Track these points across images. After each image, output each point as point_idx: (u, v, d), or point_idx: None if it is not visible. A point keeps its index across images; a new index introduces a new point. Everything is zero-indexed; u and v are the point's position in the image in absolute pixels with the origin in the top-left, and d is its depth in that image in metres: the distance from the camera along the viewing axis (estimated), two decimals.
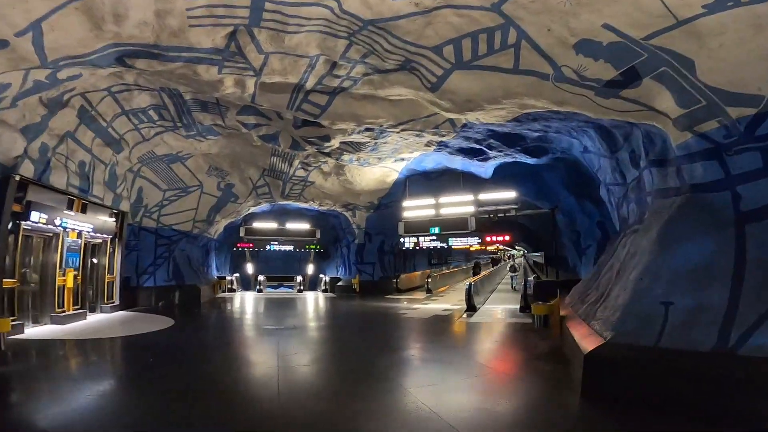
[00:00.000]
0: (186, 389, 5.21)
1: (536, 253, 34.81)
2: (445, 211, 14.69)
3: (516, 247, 58.79)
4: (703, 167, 4.90)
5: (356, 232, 22.00)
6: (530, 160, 13.25)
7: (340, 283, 22.05)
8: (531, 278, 13.15)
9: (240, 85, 10.14)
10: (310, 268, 27.02)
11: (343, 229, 23.45)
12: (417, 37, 6.91)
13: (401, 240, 15.75)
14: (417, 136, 11.78)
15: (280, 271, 26.54)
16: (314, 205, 20.95)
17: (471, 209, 14.29)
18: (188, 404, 4.65)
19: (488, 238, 14.13)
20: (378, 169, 15.60)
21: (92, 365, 6.77)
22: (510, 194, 13.84)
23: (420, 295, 18.63)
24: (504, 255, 56.90)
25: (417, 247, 15.57)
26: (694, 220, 4.68)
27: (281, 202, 20.57)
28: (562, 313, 7.52)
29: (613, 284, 5.67)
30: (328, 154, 14.51)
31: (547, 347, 7.28)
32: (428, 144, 12.72)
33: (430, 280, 18.86)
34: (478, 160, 13.07)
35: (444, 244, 15.06)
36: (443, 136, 11.66)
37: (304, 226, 22.84)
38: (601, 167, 9.68)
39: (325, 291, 22.34)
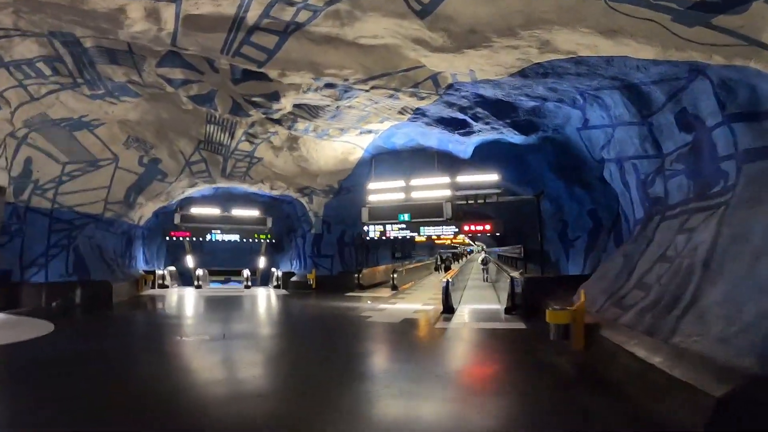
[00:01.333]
0: None
1: (499, 249, 33.93)
2: (417, 195, 12.60)
3: (475, 243, 58.50)
4: None
5: (313, 221, 19.46)
6: (516, 138, 11.49)
7: (294, 279, 19.48)
8: (515, 274, 11.44)
9: (153, 16, 7.42)
10: (262, 261, 24.08)
11: (298, 218, 20.80)
12: None
13: (365, 228, 13.50)
14: (390, 97, 9.53)
15: (229, 264, 23.45)
16: (264, 189, 18.13)
17: (447, 193, 12.31)
18: None
19: (466, 227, 12.29)
20: (339, 144, 13.20)
21: None
22: (492, 177, 12.02)
23: (385, 292, 16.53)
24: (464, 251, 56.33)
25: (383, 237, 13.40)
26: None
27: (224, 185, 17.58)
28: (586, 320, 5.65)
29: (702, 281, 3.82)
30: (278, 122, 11.90)
31: (577, 370, 5.34)
32: (402, 111, 10.51)
33: (396, 275, 16.82)
34: (459, 133, 11.07)
35: (415, 234, 13.02)
36: (422, 99, 9.50)
37: (252, 213, 19.95)
38: (614, 141, 7.98)
39: (277, 287, 19.65)
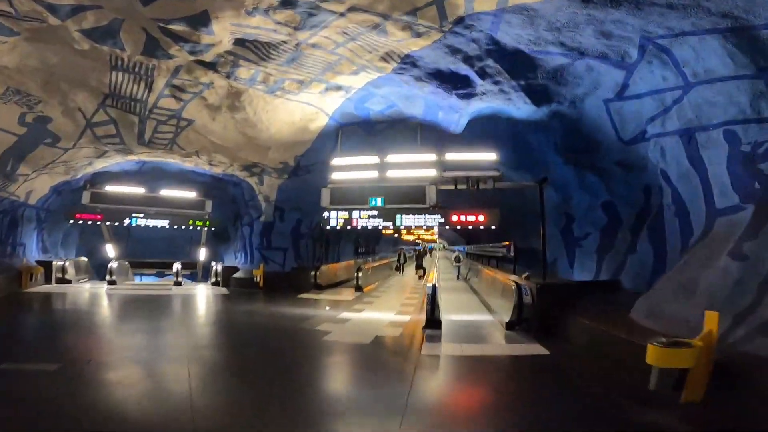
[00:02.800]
0: None
1: (464, 247, 32.16)
2: (394, 175, 9.95)
3: (438, 240, 56.84)
4: None
5: (263, 206, 16.31)
6: (521, 111, 9.22)
7: (237, 275, 16.27)
8: (515, 278, 9.19)
9: None
10: (203, 253, 20.47)
11: (245, 202, 17.53)
12: None
13: (325, 215, 10.64)
14: (374, 29, 6.78)
15: (164, 255, 19.74)
16: (201, 165, 14.76)
17: (432, 173, 9.77)
18: None
19: (455, 218, 9.87)
20: (297, 105, 10.23)
21: None
22: (489, 156, 9.64)
23: (347, 293, 13.82)
24: (425, 247, 54.60)
25: (348, 227, 10.65)
26: None
27: (148, 157, 14.05)
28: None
29: None
30: (212, 67, 8.76)
31: None
32: (387, 57, 7.79)
33: (360, 274, 14.15)
34: (457, 94, 8.55)
35: (389, 224, 10.38)
36: (419, 36, 6.86)
37: (187, 194, 16.41)
38: (684, 106, 5.93)
39: (216, 284, 16.31)
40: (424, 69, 7.97)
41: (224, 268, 16.29)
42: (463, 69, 7.76)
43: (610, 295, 7.42)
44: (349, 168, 10.28)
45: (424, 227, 10.20)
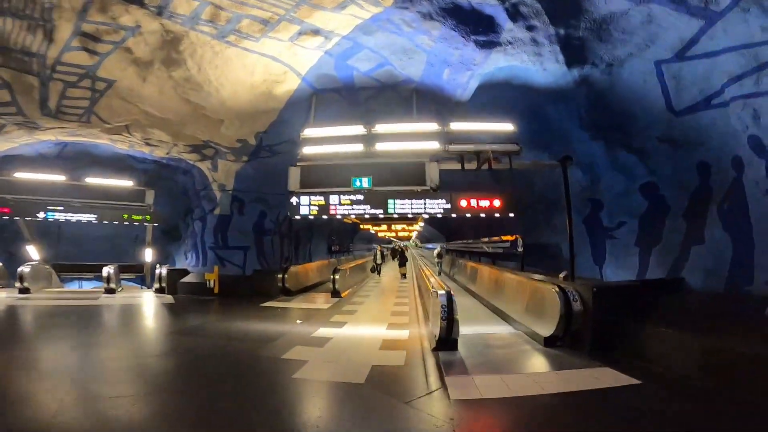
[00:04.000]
0: None
1: (433, 244, 30.47)
2: (385, 147, 7.77)
3: (412, 239, 55.30)
4: None
5: (218, 197, 13.70)
6: (545, 74, 7.44)
7: (186, 279, 13.52)
8: (539, 278, 7.31)
9: None
10: (149, 254, 17.43)
11: (197, 193, 14.82)
12: None
13: (293, 201, 8.27)
14: None
15: (105, 257, 16.60)
16: (138, 146, 12.01)
17: (434, 146, 7.66)
18: None
19: (463, 202, 7.81)
20: (258, 60, 7.79)
21: None
22: (505, 126, 7.66)
23: (321, 300, 11.52)
24: (398, 246, 52.87)
25: (325, 216, 8.36)
26: None
27: (67, 137, 11.19)
28: None
29: None
30: (136, 0, 6.22)
31: None
32: None
33: (338, 276, 11.86)
34: (476, 41, 6.52)
35: (379, 210, 8.13)
36: None
37: (121, 183, 13.52)
38: None
39: (160, 291, 13.46)
40: (437, 2, 5.85)
41: (170, 272, 13.50)
42: (490, 6, 5.74)
43: (681, 297, 5.68)
44: (326, 140, 7.96)
45: (425, 214, 8.04)
